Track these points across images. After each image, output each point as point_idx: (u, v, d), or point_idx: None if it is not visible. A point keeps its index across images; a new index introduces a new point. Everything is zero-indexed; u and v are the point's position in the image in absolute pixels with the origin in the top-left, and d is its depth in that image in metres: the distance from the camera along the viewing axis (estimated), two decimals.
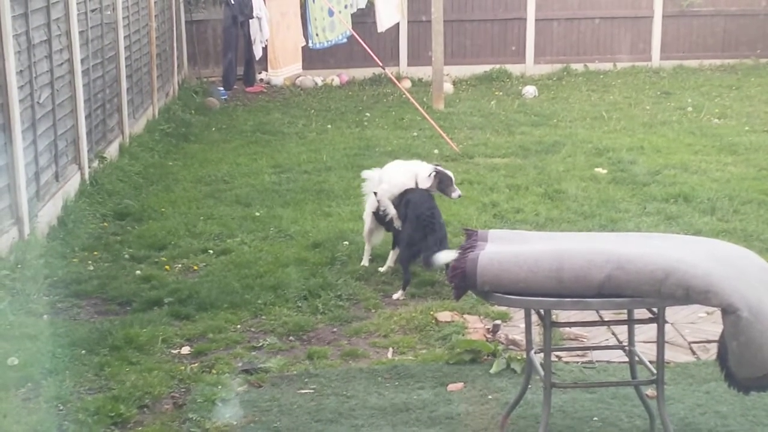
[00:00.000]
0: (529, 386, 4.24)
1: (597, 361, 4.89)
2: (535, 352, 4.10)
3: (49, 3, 7.54)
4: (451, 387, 4.68)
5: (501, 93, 14.11)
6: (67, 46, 8.07)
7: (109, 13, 9.69)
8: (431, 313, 5.60)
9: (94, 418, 4.26)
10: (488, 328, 5.38)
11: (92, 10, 9.00)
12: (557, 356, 4.93)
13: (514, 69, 15.70)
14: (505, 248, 3.69)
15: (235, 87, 13.91)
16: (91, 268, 6.49)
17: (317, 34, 12.36)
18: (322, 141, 10.84)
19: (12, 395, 4.47)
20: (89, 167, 8.54)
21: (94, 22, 9.05)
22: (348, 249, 6.71)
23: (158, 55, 12.24)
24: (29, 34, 7.04)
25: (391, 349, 5.17)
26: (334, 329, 5.46)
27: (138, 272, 6.35)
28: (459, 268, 3.61)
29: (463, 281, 3.60)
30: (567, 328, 5.13)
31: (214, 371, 4.82)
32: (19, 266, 6.14)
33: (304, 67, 13.63)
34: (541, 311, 3.76)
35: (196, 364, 4.93)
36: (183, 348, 5.16)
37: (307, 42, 12.49)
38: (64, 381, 4.61)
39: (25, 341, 5.04)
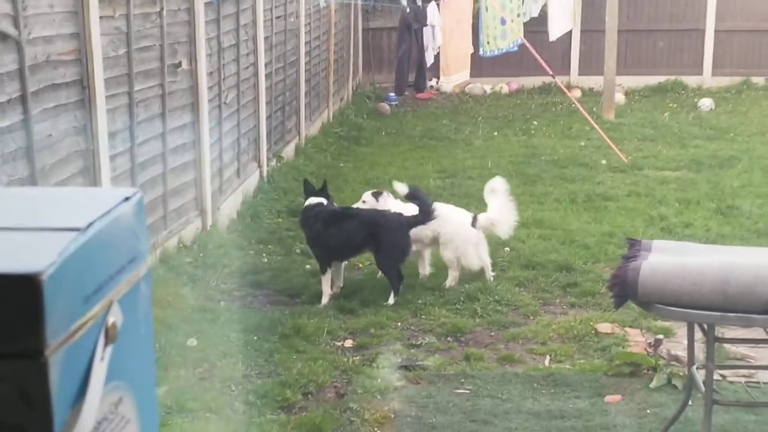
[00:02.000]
0: (690, 403, 4.17)
1: (763, 383, 4.73)
2: (697, 368, 4.03)
3: (238, 9, 8.05)
4: (609, 398, 4.66)
5: (675, 105, 13.70)
6: (252, 51, 8.57)
7: (292, 20, 10.19)
8: (591, 323, 5.58)
9: (263, 401, 4.53)
10: (650, 342, 5.31)
11: (277, 17, 9.50)
12: (721, 375, 4.79)
13: (690, 81, 15.20)
14: (669, 259, 3.66)
15: (405, 93, 14.25)
16: (265, 260, 6.87)
17: (488, 42, 12.46)
18: (487, 148, 10.92)
19: (190, 373, 4.83)
20: (267, 166, 9.02)
21: (278, 29, 9.55)
22: (509, 255, 6.77)
23: (335, 61, 12.72)
24: (220, 38, 7.55)
25: (548, 357, 5.20)
26: (492, 333, 5.54)
27: (308, 267, 6.66)
28: (620, 277, 3.61)
29: (624, 290, 3.60)
30: (734, 347, 4.99)
31: (374, 365, 5.02)
32: (201, 255, 6.60)
33: (473, 75, 13.77)
34: (704, 326, 3.70)
35: (358, 357, 5.15)
36: (346, 341, 5.40)
37: (478, 50, 12.62)
38: (237, 364, 4.93)
39: (203, 324, 5.43)
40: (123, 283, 0.55)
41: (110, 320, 0.53)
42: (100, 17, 5.34)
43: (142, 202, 0.59)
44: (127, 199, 0.56)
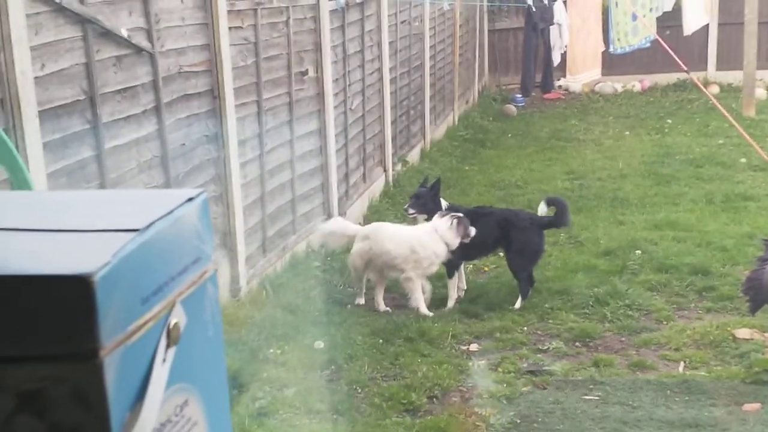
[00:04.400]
0: None
1: None
2: None
3: (363, 16, 8.14)
4: (747, 407, 4.43)
5: None
6: (377, 56, 8.65)
7: (417, 24, 10.22)
8: (728, 329, 5.32)
9: (388, 404, 4.54)
10: None
11: (402, 22, 9.55)
12: None
13: None
14: None
15: (533, 94, 14.05)
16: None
17: (619, 39, 12.14)
18: (618, 148, 10.63)
19: (318, 375, 4.90)
20: (393, 170, 9.08)
21: (402, 33, 9.60)
22: (640, 258, 6.55)
23: (460, 64, 12.68)
24: (345, 45, 7.66)
25: (682, 363, 4.99)
26: (622, 338, 5.37)
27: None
28: (755, 280, 3.43)
29: (760, 294, 3.43)
30: None
31: (500, 369, 4.95)
32: (329, 259, 6.70)
33: (603, 73, 13.44)
34: None
35: (483, 361, 5.09)
36: (471, 345, 5.35)
37: (608, 47, 12.32)
38: (363, 367, 4.97)
39: (330, 327, 5.50)
40: (186, 284, 0.55)
41: (172, 321, 0.53)
42: (229, 28, 5.52)
43: (207, 202, 0.59)
44: (190, 199, 0.56)
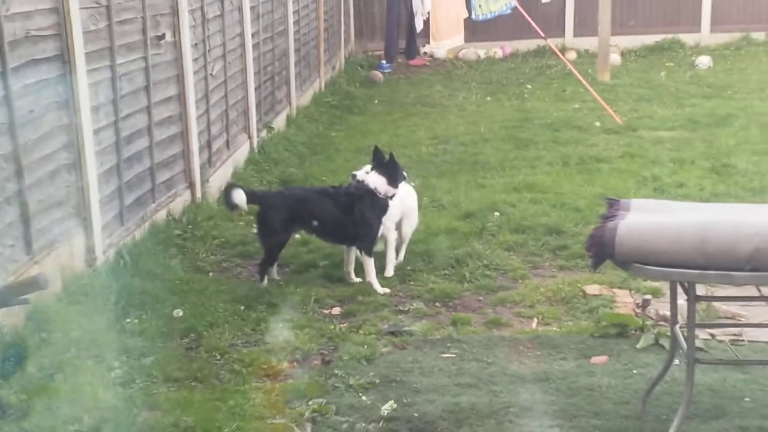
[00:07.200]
0: (677, 363, 4.16)
1: (749, 341, 4.71)
2: (680, 327, 4.01)
3: None
4: (595, 360, 4.65)
5: (672, 64, 13.61)
6: (239, 21, 8.49)
7: None
8: (579, 285, 5.56)
9: (248, 369, 4.52)
10: (638, 303, 5.29)
11: None
12: (711, 334, 4.79)
13: (688, 39, 15.07)
14: (647, 218, 3.62)
15: (399, 60, 14.15)
16: (255, 231, 6.84)
17: (480, 6, 12.34)
18: (481, 113, 10.87)
19: (176, 344, 4.83)
20: (258, 137, 8.97)
21: None
22: (499, 220, 6.74)
23: (326, 30, 12.61)
24: (204, 9, 7.47)
25: (535, 320, 5.19)
26: (480, 298, 5.53)
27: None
28: (597, 237, 3.58)
29: (601, 250, 3.57)
30: (724, 306, 4.96)
31: (361, 332, 5.01)
32: (191, 227, 6.59)
33: (466, 40, 13.67)
34: (685, 284, 3.68)
35: (345, 324, 5.14)
36: (334, 309, 5.39)
37: (470, 14, 12.51)
38: (224, 333, 4.92)
39: (191, 295, 5.42)
40: None
41: None
42: None
43: None
44: None
